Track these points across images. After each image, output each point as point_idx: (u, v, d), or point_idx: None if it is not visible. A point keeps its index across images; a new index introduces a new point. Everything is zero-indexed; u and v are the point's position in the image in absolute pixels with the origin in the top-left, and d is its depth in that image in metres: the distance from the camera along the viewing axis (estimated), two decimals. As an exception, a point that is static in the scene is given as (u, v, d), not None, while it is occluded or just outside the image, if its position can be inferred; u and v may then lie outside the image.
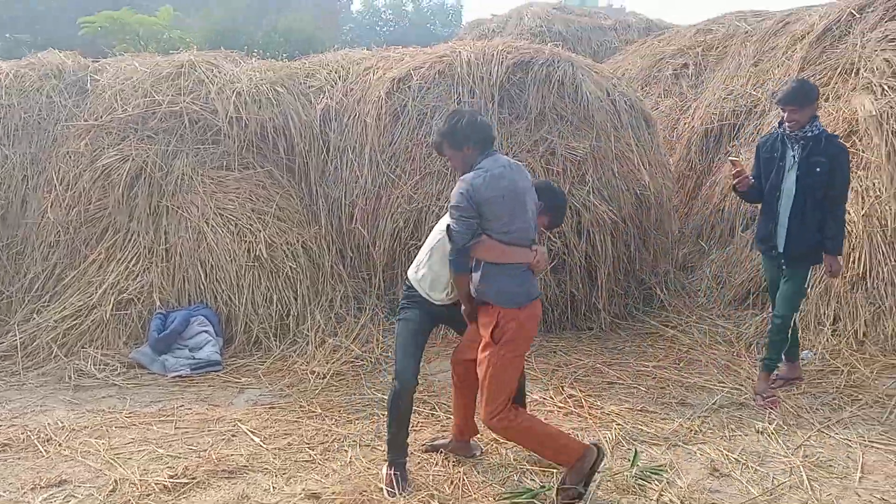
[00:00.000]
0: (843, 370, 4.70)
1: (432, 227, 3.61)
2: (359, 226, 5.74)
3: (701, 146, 7.37)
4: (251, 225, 5.52)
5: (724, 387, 4.54)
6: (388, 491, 3.30)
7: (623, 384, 4.59)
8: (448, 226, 3.19)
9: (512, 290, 3.15)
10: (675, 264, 6.51)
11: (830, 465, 3.63)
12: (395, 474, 3.34)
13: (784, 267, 4.33)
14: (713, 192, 6.85)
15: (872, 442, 3.88)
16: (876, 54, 5.85)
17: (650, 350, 5.19)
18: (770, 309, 4.65)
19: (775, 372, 4.63)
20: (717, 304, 5.91)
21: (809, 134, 4.15)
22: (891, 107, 5.51)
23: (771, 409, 4.24)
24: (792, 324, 4.31)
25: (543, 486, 3.30)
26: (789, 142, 4.23)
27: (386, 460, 3.43)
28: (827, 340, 5.03)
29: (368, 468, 3.52)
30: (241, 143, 5.85)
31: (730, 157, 4.31)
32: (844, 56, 6.18)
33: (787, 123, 4.20)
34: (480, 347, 3.22)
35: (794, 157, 4.20)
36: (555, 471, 3.42)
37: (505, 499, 3.25)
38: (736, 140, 7.02)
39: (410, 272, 3.52)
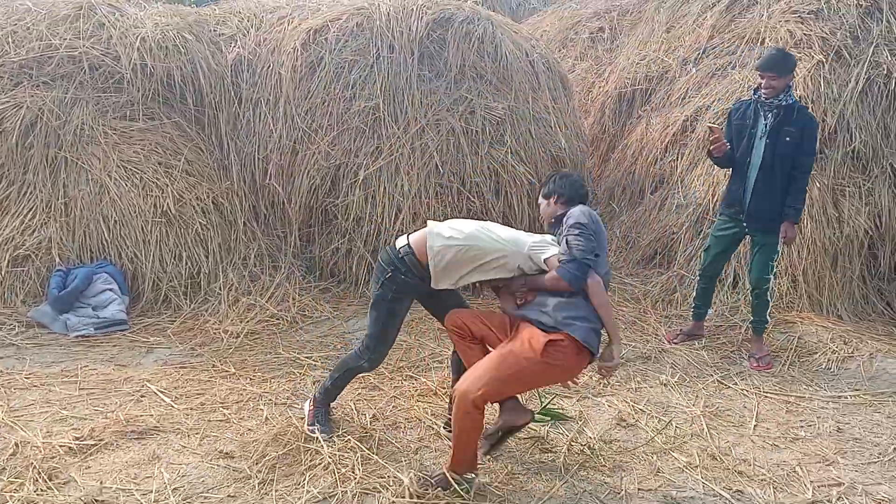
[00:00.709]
0: (741, 326, 4.99)
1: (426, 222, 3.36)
2: (273, 182, 5.58)
3: (615, 110, 7.52)
4: (158, 179, 5.26)
5: (631, 342, 4.73)
6: (309, 428, 3.33)
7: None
8: (567, 239, 2.99)
9: (595, 338, 3.01)
10: (588, 225, 6.67)
11: (728, 414, 3.88)
12: (316, 409, 3.41)
13: (749, 234, 4.46)
14: (625, 156, 7.03)
15: (766, 392, 4.16)
16: (780, 25, 6.10)
17: (563, 308, 5.33)
18: (697, 266, 4.79)
19: (679, 328, 4.88)
20: (625, 263, 6.12)
21: (783, 103, 4.23)
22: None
23: (766, 370, 4.41)
24: (769, 286, 4.44)
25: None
26: (762, 110, 4.30)
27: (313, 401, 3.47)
28: (727, 297, 5.32)
29: (286, 427, 3.48)
30: (146, 92, 5.53)
31: (708, 124, 4.37)
32: (751, 25, 6.41)
33: (763, 91, 4.27)
34: (513, 341, 2.98)
35: (765, 125, 4.27)
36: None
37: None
38: (647, 105, 7.21)
39: (435, 239, 3.08)
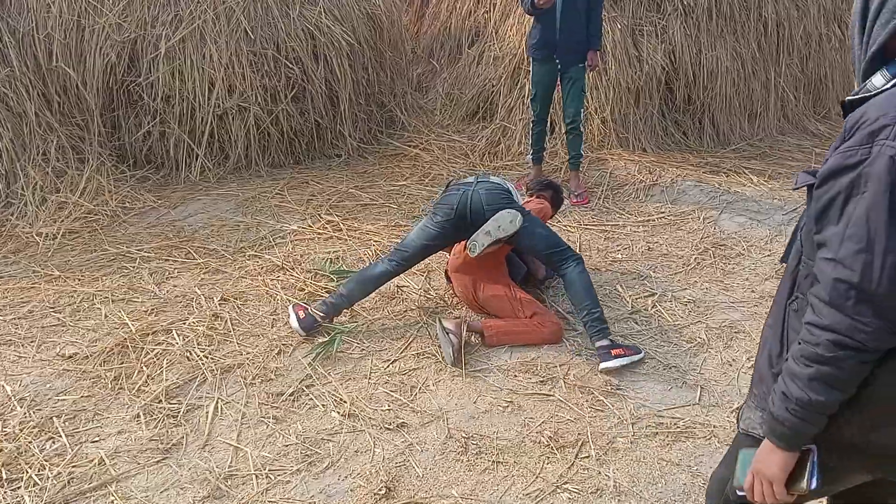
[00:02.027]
0: (560, 168, 5.35)
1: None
2: (61, 64, 4.96)
3: (424, -38, 7.34)
4: (-85, 71, 4.49)
5: (465, 195, 4.94)
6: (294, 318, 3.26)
7: (376, 204, 4.77)
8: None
9: None
10: (411, 85, 6.66)
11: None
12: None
13: (562, 71, 4.67)
14: (440, 10, 6.96)
15: (586, 225, 4.57)
16: None
17: (397, 170, 5.40)
18: (531, 111, 4.96)
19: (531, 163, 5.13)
20: (452, 120, 6.23)
21: None
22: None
23: (584, 205, 4.79)
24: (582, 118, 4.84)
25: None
26: None
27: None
28: (546, 143, 5.63)
29: (126, 323, 3.35)
30: None
31: None
32: None
33: None
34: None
35: None
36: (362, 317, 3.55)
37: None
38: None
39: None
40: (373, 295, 3.57)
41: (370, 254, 4.05)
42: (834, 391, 1.25)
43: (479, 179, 3.46)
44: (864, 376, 1.24)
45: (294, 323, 3.25)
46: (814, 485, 1.33)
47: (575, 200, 4.86)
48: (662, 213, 4.76)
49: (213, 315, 3.44)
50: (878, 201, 1.17)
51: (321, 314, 3.28)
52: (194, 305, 3.53)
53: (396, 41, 6.23)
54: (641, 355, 3.12)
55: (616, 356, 3.05)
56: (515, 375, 3.04)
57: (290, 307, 3.34)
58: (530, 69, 4.91)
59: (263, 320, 3.42)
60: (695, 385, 3.00)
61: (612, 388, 2.95)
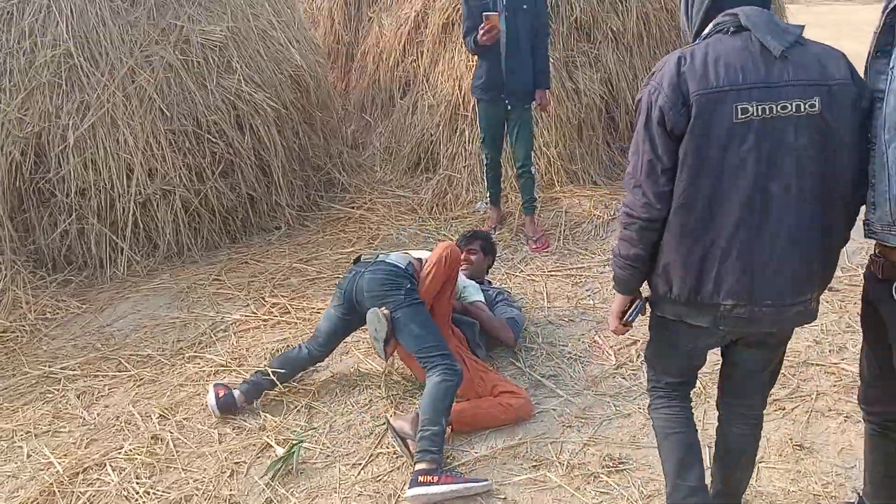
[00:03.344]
0: (513, 213, 5.09)
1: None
2: (-42, 169, 4.50)
3: (343, 16, 7.11)
4: None
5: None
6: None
7: (324, 277, 4.42)
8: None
9: None
10: (346, 143, 6.37)
11: (521, 300, 3.94)
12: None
13: (511, 110, 4.47)
14: (366, 63, 6.72)
15: (550, 272, 4.30)
16: None
17: (343, 235, 5.06)
18: (486, 152, 4.74)
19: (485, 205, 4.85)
20: (393, 174, 5.95)
21: None
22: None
23: (545, 250, 4.57)
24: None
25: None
26: None
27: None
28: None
29: (52, 462, 2.90)
30: None
31: (484, 13, 4.17)
32: None
33: None
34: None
35: (503, 0, 4.24)
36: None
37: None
38: (375, 5, 6.89)
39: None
40: (333, 386, 3.21)
41: (324, 337, 3.69)
42: (632, 248, 1.85)
43: (375, 260, 3.14)
44: (653, 239, 1.82)
45: (211, 401, 3.04)
46: (630, 318, 1.99)
47: (534, 247, 4.60)
48: (626, 247, 4.52)
49: (152, 437, 3.01)
50: (638, 122, 1.80)
51: (242, 395, 3.07)
52: (130, 428, 3.09)
53: (325, 100, 5.94)
54: (479, 485, 2.52)
55: (423, 483, 2.47)
56: (504, 463, 2.70)
57: (211, 385, 3.09)
58: (477, 112, 4.69)
59: (210, 435, 3.01)
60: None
61: (614, 464, 2.63)
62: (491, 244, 3.84)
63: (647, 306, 1.97)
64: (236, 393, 3.08)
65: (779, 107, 1.67)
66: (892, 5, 1.69)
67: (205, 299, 4.26)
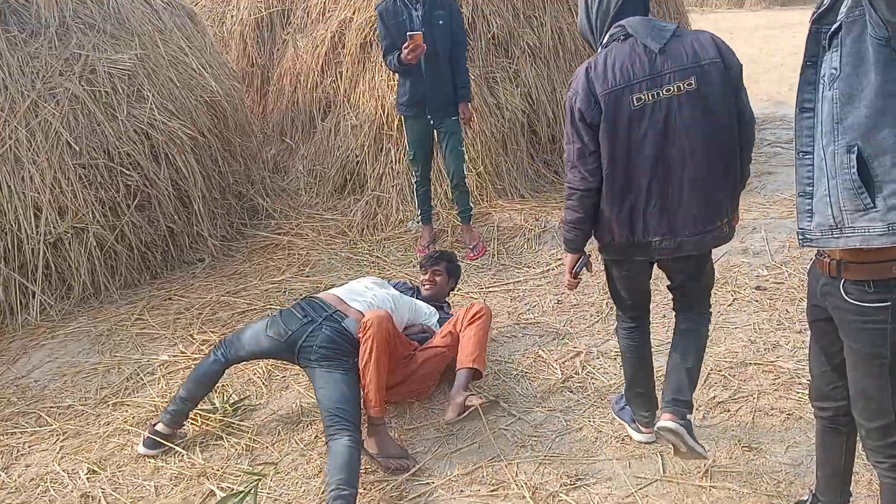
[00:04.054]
0: (445, 230, 5.06)
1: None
2: None
3: (256, 38, 6.95)
4: None
5: (350, 278, 4.52)
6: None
7: (255, 309, 4.25)
8: None
9: None
10: (267, 168, 6.20)
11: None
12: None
13: (436, 127, 4.48)
14: (283, 86, 6.58)
15: (489, 288, 4.29)
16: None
17: (271, 263, 4.89)
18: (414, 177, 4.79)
19: (425, 242, 4.80)
20: (319, 198, 5.82)
21: None
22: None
23: (482, 256, 4.67)
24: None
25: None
26: (410, 3, 4.27)
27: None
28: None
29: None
30: None
31: (409, 33, 4.10)
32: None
33: None
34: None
35: (418, 17, 4.26)
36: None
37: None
38: (289, 27, 6.77)
39: None
40: (274, 425, 3.07)
41: (260, 372, 3.53)
42: (576, 213, 2.39)
43: (332, 315, 3.02)
44: (591, 205, 2.37)
45: (140, 449, 2.99)
46: (577, 269, 2.53)
47: (472, 255, 4.64)
48: (559, 259, 4.57)
49: (82, 496, 2.79)
50: (567, 121, 2.34)
51: (164, 425, 2.99)
52: (56, 488, 2.85)
53: (243, 125, 5.77)
54: None
55: None
56: (461, 490, 2.63)
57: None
58: (404, 129, 4.66)
59: (145, 488, 2.81)
60: (654, 454, 2.73)
61: (571, 480, 2.61)
62: (456, 267, 3.80)
63: (590, 264, 2.57)
64: (159, 426, 2.99)
65: (664, 90, 2.21)
66: (815, 15, 1.75)
67: (128, 341, 4.01)
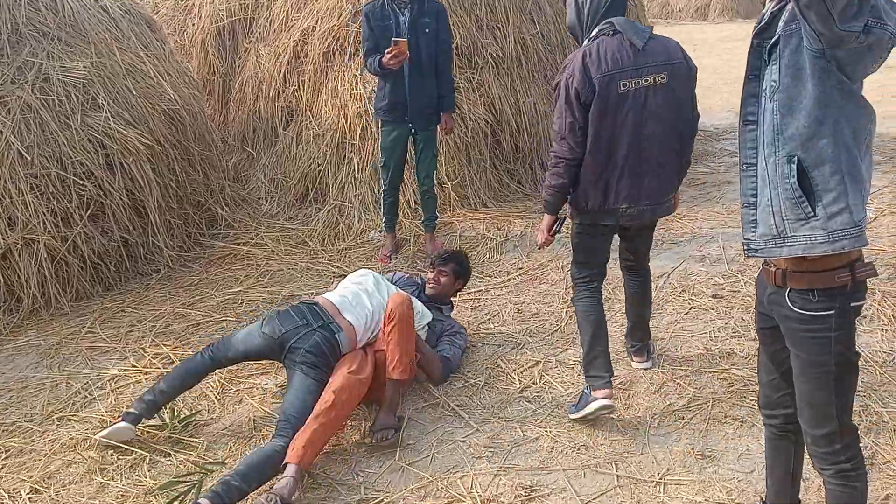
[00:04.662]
0: (410, 239, 5.02)
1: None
2: None
3: (217, 47, 6.88)
4: None
5: (310, 288, 4.46)
6: None
7: (212, 321, 4.16)
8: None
9: None
10: (227, 177, 6.11)
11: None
12: None
13: (414, 134, 4.45)
14: (244, 94, 6.51)
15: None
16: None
17: (229, 274, 4.81)
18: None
19: (388, 250, 4.77)
20: (280, 207, 5.75)
21: None
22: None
23: None
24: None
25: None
26: (398, 7, 4.24)
27: None
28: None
29: None
30: None
31: (394, 38, 4.05)
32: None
33: None
34: None
35: (404, 22, 4.23)
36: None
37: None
38: (251, 36, 6.71)
39: None
40: (226, 439, 3.00)
41: (213, 385, 3.45)
42: (560, 179, 2.78)
43: (328, 325, 3.06)
44: (574, 172, 2.77)
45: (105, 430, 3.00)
46: (555, 229, 2.92)
47: None
48: (521, 268, 4.57)
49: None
50: (559, 98, 2.72)
51: (136, 413, 3.01)
52: (-5, 509, 2.75)
53: (203, 133, 5.68)
54: None
55: None
56: (414, 504, 2.59)
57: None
58: (378, 134, 4.62)
59: (90, 507, 2.72)
60: (609, 462, 2.71)
61: (526, 493, 2.58)
62: (465, 269, 3.73)
63: (565, 224, 2.97)
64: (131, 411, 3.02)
65: (643, 81, 2.67)
66: (756, 29, 1.76)
67: (77, 355, 3.90)
